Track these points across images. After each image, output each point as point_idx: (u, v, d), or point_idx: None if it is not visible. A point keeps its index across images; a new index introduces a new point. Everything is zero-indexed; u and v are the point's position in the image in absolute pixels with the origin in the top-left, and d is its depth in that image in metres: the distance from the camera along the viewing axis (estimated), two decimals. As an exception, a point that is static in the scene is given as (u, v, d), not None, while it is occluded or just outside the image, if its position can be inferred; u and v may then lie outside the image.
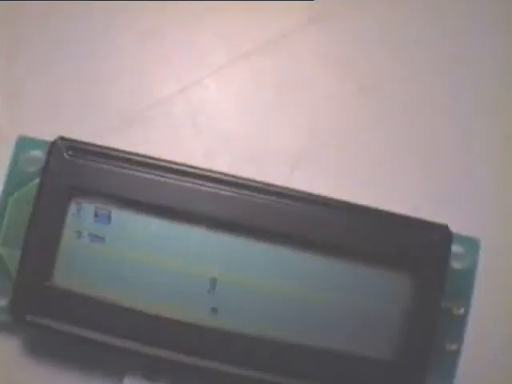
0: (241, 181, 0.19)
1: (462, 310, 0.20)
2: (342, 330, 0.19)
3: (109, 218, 0.19)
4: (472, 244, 0.21)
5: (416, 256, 0.19)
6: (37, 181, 0.20)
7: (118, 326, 0.19)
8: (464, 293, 0.20)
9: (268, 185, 0.19)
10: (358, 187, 0.20)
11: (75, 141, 0.19)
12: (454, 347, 0.20)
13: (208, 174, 0.19)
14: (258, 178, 0.19)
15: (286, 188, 0.19)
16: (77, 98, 0.22)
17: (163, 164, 0.19)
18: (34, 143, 0.20)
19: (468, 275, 0.20)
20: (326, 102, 0.22)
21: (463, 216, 0.21)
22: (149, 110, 0.22)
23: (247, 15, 0.22)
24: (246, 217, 0.19)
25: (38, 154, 0.20)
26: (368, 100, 0.22)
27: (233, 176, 0.19)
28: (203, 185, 0.19)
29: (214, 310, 0.19)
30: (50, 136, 0.19)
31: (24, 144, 0.20)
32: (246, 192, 0.19)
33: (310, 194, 0.19)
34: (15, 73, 0.22)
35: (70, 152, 0.19)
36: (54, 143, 0.19)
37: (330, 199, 0.19)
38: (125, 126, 0.21)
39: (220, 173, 0.19)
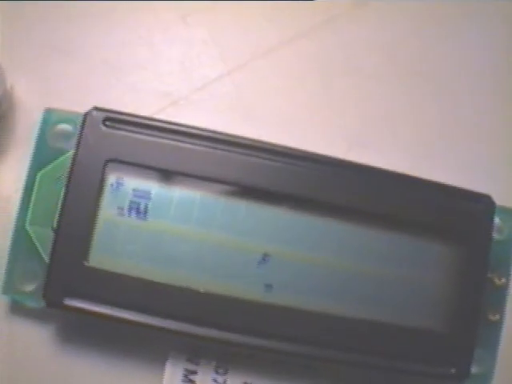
0: (293, 151, 0.18)
1: (503, 280, 0.20)
2: (392, 302, 0.19)
3: (150, 192, 0.18)
4: (510, 215, 0.21)
5: (461, 226, 0.19)
6: (67, 155, 0.18)
7: (163, 306, 0.18)
8: (504, 263, 0.20)
9: (320, 156, 0.18)
10: (409, 165, 0.20)
11: (111, 111, 0.18)
12: (496, 317, 0.20)
13: (257, 144, 0.18)
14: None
15: (341, 160, 0.19)
16: (118, 81, 0.20)
17: (208, 134, 0.18)
18: (62, 116, 0.19)
19: (507, 246, 0.20)
20: (375, 86, 0.21)
21: (500, 187, 0.21)
22: (195, 93, 0.21)
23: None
24: (297, 189, 0.18)
25: (67, 127, 0.19)
26: (417, 82, 0.21)
27: (284, 147, 0.18)
28: (252, 155, 0.18)
29: (268, 286, 0.18)
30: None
31: (51, 117, 0.19)
32: (299, 163, 0.18)
33: (363, 166, 0.19)
34: (43, 49, 0.20)
35: (106, 123, 0.18)
36: (88, 114, 0.18)
37: (380, 170, 0.19)
38: (171, 109, 0.20)
39: (270, 143, 0.18)
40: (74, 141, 0.18)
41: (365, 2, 0.22)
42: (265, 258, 0.18)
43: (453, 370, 0.19)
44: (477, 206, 0.19)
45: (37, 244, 0.18)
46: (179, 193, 0.18)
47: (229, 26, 0.21)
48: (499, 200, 0.20)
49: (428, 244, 0.19)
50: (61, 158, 0.19)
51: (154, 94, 0.21)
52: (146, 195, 0.18)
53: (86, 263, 0.18)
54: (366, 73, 0.21)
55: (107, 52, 0.21)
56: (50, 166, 0.19)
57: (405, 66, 0.22)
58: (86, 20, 0.21)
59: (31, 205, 0.18)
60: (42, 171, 0.19)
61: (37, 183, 0.19)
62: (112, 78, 0.21)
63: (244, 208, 0.18)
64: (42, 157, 0.19)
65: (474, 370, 0.19)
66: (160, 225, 0.18)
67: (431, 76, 0.22)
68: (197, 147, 0.18)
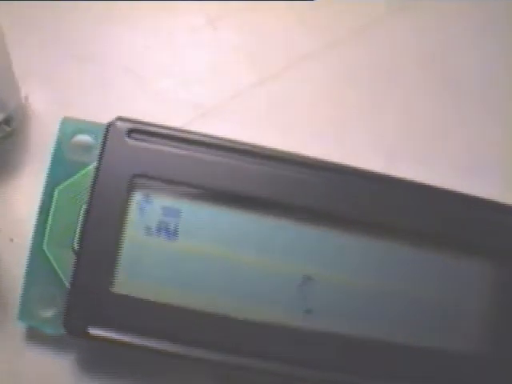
0: (334, 165, 0.17)
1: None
2: (432, 325, 0.18)
3: (180, 210, 0.17)
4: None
5: (498, 241, 0.18)
6: (87, 170, 0.17)
7: (194, 334, 0.16)
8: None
9: (360, 170, 0.17)
10: (448, 176, 0.19)
11: (137, 121, 0.17)
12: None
13: (295, 158, 0.17)
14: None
15: (381, 174, 0.17)
16: (141, 90, 0.19)
17: (242, 147, 0.17)
18: (81, 126, 0.17)
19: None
20: (415, 96, 0.20)
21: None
22: (226, 103, 0.19)
23: (332, 3, 0.20)
24: (339, 207, 0.17)
25: (87, 139, 0.17)
26: (461, 93, 0.20)
27: (324, 161, 0.17)
28: (291, 170, 0.17)
29: (309, 311, 0.17)
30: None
31: (69, 127, 0.17)
32: (340, 178, 0.17)
33: (403, 181, 0.17)
34: (60, 56, 0.19)
35: (131, 135, 0.17)
36: (111, 124, 0.17)
37: (416, 184, 0.18)
38: (200, 120, 0.19)
39: (310, 157, 0.17)
40: (94, 154, 0.17)
41: (402, 6, 0.21)
42: (305, 281, 0.17)
43: (497, 397, 0.18)
44: (513, 220, 0.18)
45: (55, 266, 0.17)
46: (212, 211, 0.17)
47: (260, 31, 0.20)
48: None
49: (465, 260, 0.18)
50: (81, 173, 0.17)
51: (182, 103, 0.19)
52: (176, 214, 0.17)
53: (110, 288, 0.16)
54: (404, 82, 0.20)
55: (128, 58, 0.19)
56: (68, 181, 0.17)
57: (445, 76, 0.20)
58: (104, 23, 0.19)
59: (48, 224, 0.17)
60: (60, 186, 0.17)
61: (54, 200, 0.17)
62: (135, 87, 0.19)
63: (282, 227, 0.17)
64: (60, 171, 0.17)
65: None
66: (191, 246, 0.17)
67: (477, 86, 0.20)
68: (231, 161, 0.17)
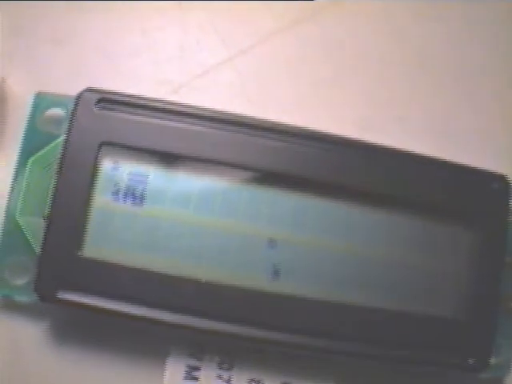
0: (297, 130, 0.17)
1: (521, 265, 0.19)
2: (406, 289, 0.18)
3: (146, 176, 0.17)
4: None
5: (475, 207, 0.18)
6: (59, 141, 0.17)
7: (162, 297, 0.17)
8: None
9: (323, 134, 0.17)
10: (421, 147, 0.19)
11: (105, 91, 0.17)
12: (516, 304, 0.19)
13: (258, 123, 0.17)
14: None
15: (349, 139, 0.18)
16: (113, 69, 0.20)
17: (208, 113, 0.17)
18: (54, 100, 0.18)
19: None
20: (380, 71, 0.21)
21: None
22: (196, 80, 0.20)
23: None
24: (304, 170, 0.17)
25: (59, 112, 0.18)
26: (425, 69, 0.21)
27: (288, 125, 0.17)
28: (254, 135, 0.17)
29: (275, 274, 0.17)
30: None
31: (42, 101, 0.18)
32: (305, 143, 0.17)
33: (369, 144, 0.18)
34: (34, 39, 0.20)
35: (99, 104, 0.17)
36: (80, 95, 0.17)
37: (391, 149, 0.18)
38: (174, 96, 0.19)
39: (272, 122, 0.17)
40: (66, 126, 0.17)
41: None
42: (271, 243, 0.17)
43: (471, 361, 0.18)
44: (491, 186, 0.18)
45: (28, 235, 0.17)
46: (178, 177, 0.17)
47: (226, 10, 0.20)
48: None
49: (441, 227, 0.18)
50: (53, 144, 0.18)
51: (153, 81, 0.20)
52: (143, 179, 0.17)
53: (79, 253, 0.17)
54: (370, 56, 0.21)
55: (100, 40, 0.20)
56: (41, 152, 0.18)
57: (411, 50, 0.21)
58: (77, 7, 0.20)
59: (22, 194, 0.17)
60: (33, 157, 0.18)
61: (27, 170, 0.17)
62: (107, 67, 0.20)
63: (246, 191, 0.17)
64: (33, 143, 0.18)
65: (492, 360, 0.18)
66: (157, 211, 0.17)
67: (440, 58, 0.21)
68: (196, 127, 0.17)
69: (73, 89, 0.18)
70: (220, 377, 0.18)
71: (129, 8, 0.20)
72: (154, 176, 0.17)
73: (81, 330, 0.18)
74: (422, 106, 0.21)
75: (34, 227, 0.17)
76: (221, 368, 0.18)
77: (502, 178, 0.19)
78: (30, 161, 0.18)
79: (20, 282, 0.17)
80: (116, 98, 0.17)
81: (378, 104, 0.20)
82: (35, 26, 0.20)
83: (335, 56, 0.21)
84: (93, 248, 0.17)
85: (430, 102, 0.21)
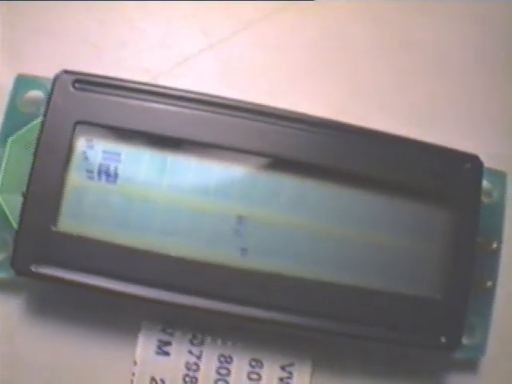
0: (262, 108, 0.18)
1: (494, 246, 0.19)
2: (377, 267, 0.18)
3: (119, 154, 0.18)
4: (499, 177, 0.20)
5: (448, 187, 0.18)
6: (37, 121, 0.18)
7: (133, 272, 0.17)
8: (495, 228, 0.19)
9: (295, 113, 0.18)
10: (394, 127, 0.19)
11: (81, 73, 0.18)
12: (489, 284, 0.19)
13: (229, 102, 0.18)
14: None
15: (316, 117, 0.18)
16: (97, 59, 0.20)
17: (179, 93, 0.18)
18: (34, 82, 0.18)
19: (497, 209, 0.20)
20: (364, 58, 0.21)
21: (488, 150, 0.20)
22: (176, 68, 0.20)
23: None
24: (271, 147, 0.17)
25: (39, 94, 0.18)
26: (407, 54, 0.21)
27: (255, 104, 0.18)
28: (226, 114, 0.18)
29: (244, 250, 0.17)
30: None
31: (23, 83, 0.18)
32: (268, 120, 0.18)
33: (341, 124, 0.18)
34: (19, 29, 0.20)
35: (75, 85, 0.18)
36: (57, 77, 0.18)
37: (363, 129, 0.18)
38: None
39: (242, 101, 0.18)
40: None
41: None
42: (240, 220, 0.17)
43: (443, 339, 0.18)
44: (464, 166, 0.19)
45: (7, 212, 0.18)
46: (150, 155, 0.18)
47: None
48: (488, 163, 0.19)
49: (414, 207, 0.18)
50: (32, 123, 0.18)
51: (134, 70, 0.20)
52: (116, 157, 0.18)
53: (54, 228, 0.17)
54: (352, 44, 0.21)
55: (85, 31, 0.21)
56: (20, 132, 0.18)
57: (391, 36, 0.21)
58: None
59: (1, 172, 0.18)
60: (13, 137, 0.18)
61: (7, 149, 0.18)
62: (91, 57, 0.20)
63: (215, 169, 0.18)
64: (13, 123, 0.18)
65: (466, 339, 0.19)
66: (130, 188, 0.17)
67: (421, 47, 0.21)
68: (167, 107, 0.18)
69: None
70: (191, 352, 0.18)
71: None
72: (126, 154, 0.18)
73: (55, 305, 0.18)
74: (400, 91, 0.21)
75: (14, 204, 0.18)
76: (192, 343, 0.18)
77: (474, 158, 0.19)
78: (10, 140, 0.18)
79: (-1, 257, 0.18)
80: (91, 79, 0.18)
81: (353, 91, 0.21)
82: (21, 16, 0.21)
83: (315, 45, 0.21)
84: (67, 223, 0.17)
85: (406, 85, 0.21)
